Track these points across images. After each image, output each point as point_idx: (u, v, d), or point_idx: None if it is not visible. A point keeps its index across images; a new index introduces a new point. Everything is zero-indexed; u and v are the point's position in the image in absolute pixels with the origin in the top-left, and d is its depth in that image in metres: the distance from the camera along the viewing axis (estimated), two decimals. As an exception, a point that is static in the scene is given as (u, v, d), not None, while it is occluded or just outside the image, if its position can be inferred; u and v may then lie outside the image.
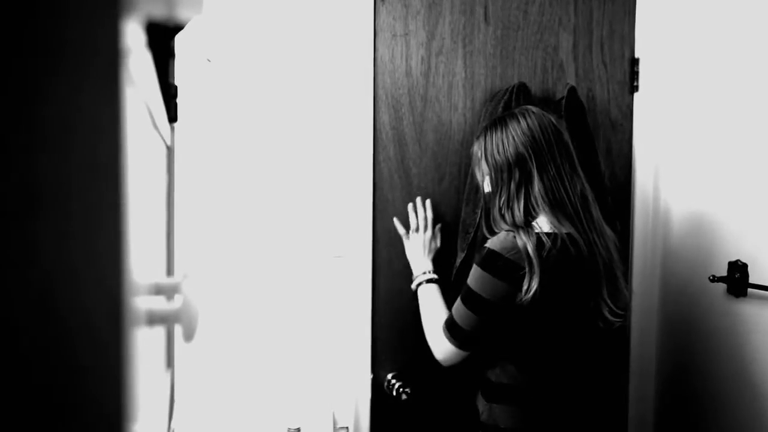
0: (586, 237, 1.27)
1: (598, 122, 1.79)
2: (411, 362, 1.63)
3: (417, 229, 1.55)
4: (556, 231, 1.24)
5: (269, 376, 1.50)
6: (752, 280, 1.54)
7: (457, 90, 1.65)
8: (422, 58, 1.61)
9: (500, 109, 1.56)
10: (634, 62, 1.82)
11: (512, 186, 1.29)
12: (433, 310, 1.42)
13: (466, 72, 1.65)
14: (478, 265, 1.26)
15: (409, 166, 1.61)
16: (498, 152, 1.30)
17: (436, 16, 1.62)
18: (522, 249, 1.20)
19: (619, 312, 1.30)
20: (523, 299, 1.20)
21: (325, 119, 1.52)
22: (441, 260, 1.63)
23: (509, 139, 1.29)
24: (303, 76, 1.50)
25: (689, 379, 1.74)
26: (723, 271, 1.62)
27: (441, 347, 1.34)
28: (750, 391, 1.56)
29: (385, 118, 1.58)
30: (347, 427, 1.57)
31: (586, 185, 1.32)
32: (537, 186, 1.27)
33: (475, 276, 1.27)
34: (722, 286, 1.62)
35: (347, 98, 1.53)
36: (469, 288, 1.27)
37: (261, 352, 1.49)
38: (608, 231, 1.35)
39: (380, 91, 1.57)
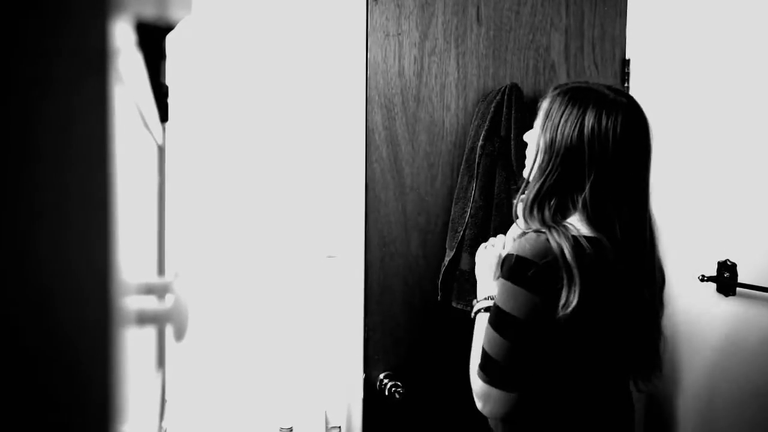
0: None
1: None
2: (403, 362, 1.63)
3: (494, 245, 1.29)
4: (597, 236, 1.04)
5: (262, 375, 1.50)
6: (741, 279, 1.55)
7: (450, 90, 1.65)
8: (415, 58, 1.61)
9: (492, 110, 1.57)
10: (625, 63, 1.83)
11: (555, 184, 1.08)
12: (479, 346, 1.13)
13: (458, 72, 1.66)
14: (505, 277, 1.04)
15: (402, 166, 1.61)
16: (560, 129, 1.07)
17: (428, 17, 1.62)
18: (557, 253, 1.00)
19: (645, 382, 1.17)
20: (561, 315, 0.99)
21: (318, 119, 1.52)
22: (434, 261, 1.64)
23: (578, 126, 1.05)
24: (295, 76, 1.50)
25: (679, 377, 1.75)
26: (712, 271, 1.63)
27: (475, 387, 1.10)
28: (739, 388, 1.57)
29: (377, 118, 1.58)
30: (339, 427, 1.57)
31: (647, 222, 1.12)
32: (580, 198, 1.06)
33: (501, 291, 1.05)
34: (712, 285, 1.63)
35: (340, 98, 1.53)
36: (497, 308, 1.06)
37: (253, 352, 1.49)
38: (658, 281, 1.16)
39: (373, 91, 1.58)
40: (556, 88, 1.15)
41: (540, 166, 1.10)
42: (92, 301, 0.26)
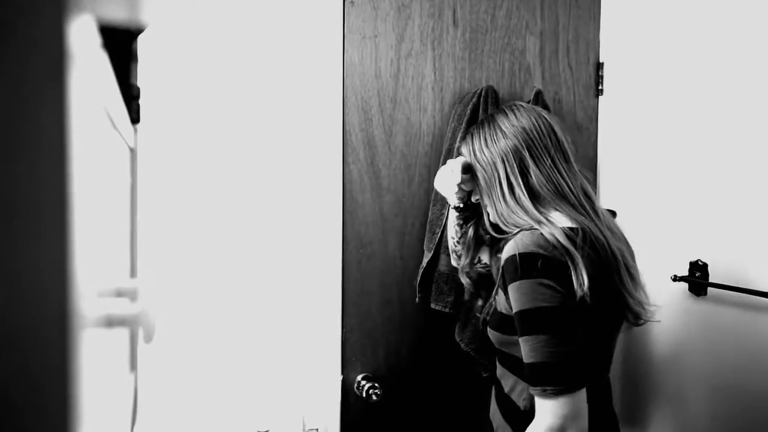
0: (598, 230, 1.12)
1: (564, 125, 1.82)
2: (381, 364, 1.64)
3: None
4: (577, 225, 1.11)
5: (238, 378, 1.49)
6: (712, 279, 1.58)
7: (427, 92, 1.66)
8: (391, 61, 1.62)
9: (468, 112, 1.58)
10: (599, 66, 1.86)
11: (509, 175, 1.17)
12: None
13: (435, 74, 1.67)
14: (517, 278, 1.04)
15: (379, 167, 1.62)
16: (486, 147, 1.21)
17: (405, 19, 1.63)
18: (554, 242, 1.04)
19: (645, 304, 1.17)
20: (579, 298, 1.01)
21: (295, 121, 1.52)
22: (411, 262, 1.64)
23: (497, 134, 1.20)
24: (272, 77, 1.50)
25: (652, 375, 1.78)
26: (685, 271, 1.66)
27: (556, 411, 0.99)
28: (710, 387, 1.60)
29: (354, 120, 1.59)
30: (317, 429, 1.57)
31: (585, 181, 1.21)
32: (534, 174, 1.15)
33: (519, 294, 1.04)
34: (684, 285, 1.66)
35: (316, 100, 1.53)
36: (520, 314, 1.04)
37: (230, 355, 1.48)
38: (616, 227, 1.22)
39: (349, 93, 1.58)
40: (464, 137, 1.34)
41: (489, 181, 1.21)
42: (49, 304, 0.26)
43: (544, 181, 1.15)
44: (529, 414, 1.15)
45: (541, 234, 1.05)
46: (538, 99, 1.67)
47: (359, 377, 1.61)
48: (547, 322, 1.01)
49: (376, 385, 1.58)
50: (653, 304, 1.20)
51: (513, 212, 1.15)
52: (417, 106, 1.65)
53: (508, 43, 1.74)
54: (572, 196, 1.16)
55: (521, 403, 1.18)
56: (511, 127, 1.20)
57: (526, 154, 1.16)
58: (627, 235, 1.82)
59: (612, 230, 1.17)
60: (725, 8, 1.56)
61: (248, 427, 1.49)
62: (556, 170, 1.16)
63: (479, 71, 1.71)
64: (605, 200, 1.87)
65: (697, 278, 1.61)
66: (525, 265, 1.03)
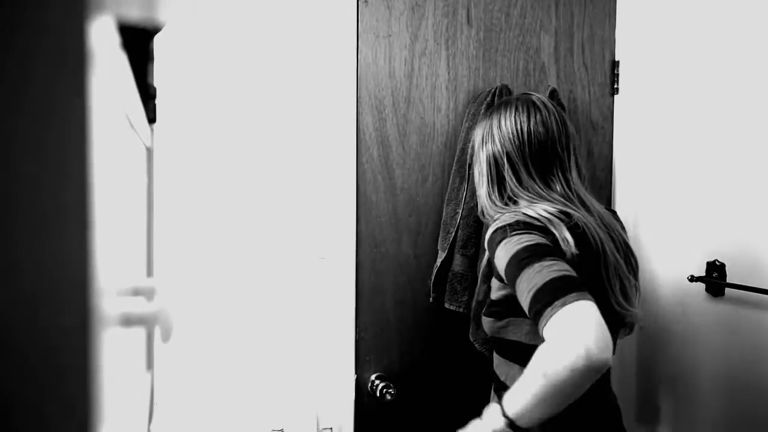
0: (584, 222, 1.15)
1: (580, 124, 1.80)
2: (395, 363, 1.64)
3: None
4: (559, 208, 1.16)
5: (253, 377, 1.50)
6: (730, 279, 1.57)
7: (440, 91, 1.65)
8: (405, 60, 1.62)
9: (482, 111, 1.57)
10: (615, 65, 1.84)
11: (489, 179, 1.27)
12: (533, 376, 0.91)
13: (449, 73, 1.66)
14: (506, 237, 1.08)
15: (393, 167, 1.62)
16: (483, 145, 1.29)
17: (419, 18, 1.62)
18: (536, 216, 1.11)
19: (628, 308, 1.16)
20: (568, 255, 1.05)
21: (309, 121, 1.52)
22: (425, 262, 1.64)
23: (490, 134, 1.28)
24: (286, 77, 1.50)
25: (668, 377, 1.76)
26: (702, 271, 1.64)
27: (567, 321, 0.90)
28: (727, 388, 1.58)
29: (368, 119, 1.59)
30: (331, 428, 1.57)
31: (566, 186, 1.23)
32: (509, 181, 1.24)
33: (504, 250, 1.07)
34: (701, 285, 1.64)
35: (330, 100, 1.53)
36: (510, 261, 1.04)
37: (245, 353, 1.49)
38: (615, 233, 1.22)
39: (363, 93, 1.58)
40: (478, 122, 1.41)
41: (479, 174, 1.31)
42: (71, 303, 0.26)
43: (519, 188, 1.23)
44: None
45: (524, 213, 1.14)
46: (553, 98, 1.66)
47: (373, 376, 1.61)
48: (535, 253, 1.02)
49: (390, 384, 1.58)
50: (639, 310, 1.22)
51: (492, 210, 1.26)
52: (431, 106, 1.65)
53: (522, 42, 1.73)
54: (549, 200, 1.20)
55: None
56: (498, 132, 1.26)
57: (505, 161, 1.24)
58: (642, 235, 1.80)
59: (606, 229, 1.20)
60: (743, 5, 1.54)
61: (262, 425, 1.50)
62: (531, 179, 1.23)
63: (493, 70, 1.70)
64: (621, 199, 1.85)
65: (715, 279, 1.60)
66: (511, 228, 1.10)
